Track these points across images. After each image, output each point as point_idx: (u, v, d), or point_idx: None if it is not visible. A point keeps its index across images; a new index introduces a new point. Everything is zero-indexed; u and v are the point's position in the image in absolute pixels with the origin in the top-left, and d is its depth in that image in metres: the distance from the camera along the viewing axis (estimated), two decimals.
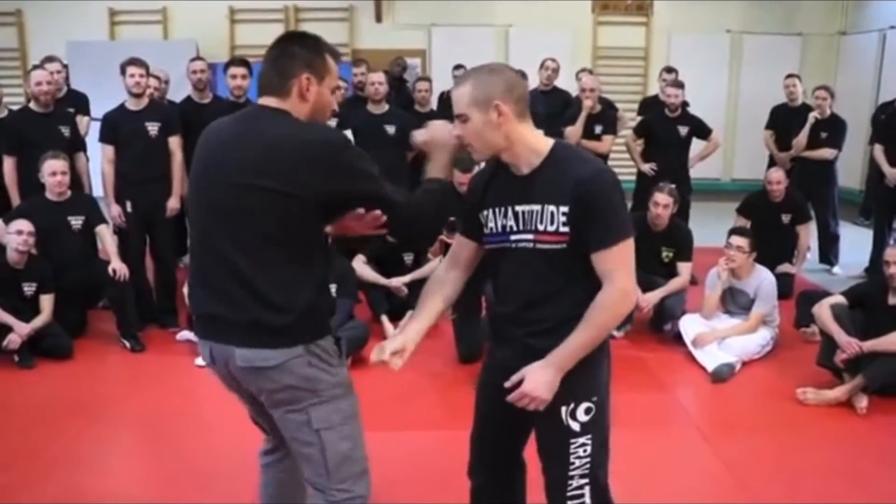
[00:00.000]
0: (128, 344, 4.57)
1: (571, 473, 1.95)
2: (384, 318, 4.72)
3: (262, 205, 1.82)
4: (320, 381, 1.93)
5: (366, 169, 1.91)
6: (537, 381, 1.86)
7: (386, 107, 5.65)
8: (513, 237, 1.92)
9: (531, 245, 1.89)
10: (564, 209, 1.83)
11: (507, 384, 1.90)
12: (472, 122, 1.87)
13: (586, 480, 1.95)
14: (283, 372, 1.88)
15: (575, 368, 1.87)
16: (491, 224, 1.97)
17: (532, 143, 1.91)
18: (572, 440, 1.93)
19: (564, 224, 1.83)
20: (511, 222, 1.92)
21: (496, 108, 1.84)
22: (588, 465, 1.95)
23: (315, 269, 1.94)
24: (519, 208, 1.90)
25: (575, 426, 1.92)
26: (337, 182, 1.85)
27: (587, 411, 1.93)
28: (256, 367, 1.88)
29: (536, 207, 1.87)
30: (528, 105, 1.92)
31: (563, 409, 1.92)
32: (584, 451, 1.94)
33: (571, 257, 1.86)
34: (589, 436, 1.94)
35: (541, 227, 1.87)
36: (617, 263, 1.84)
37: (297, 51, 1.92)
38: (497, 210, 1.95)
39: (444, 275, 2.15)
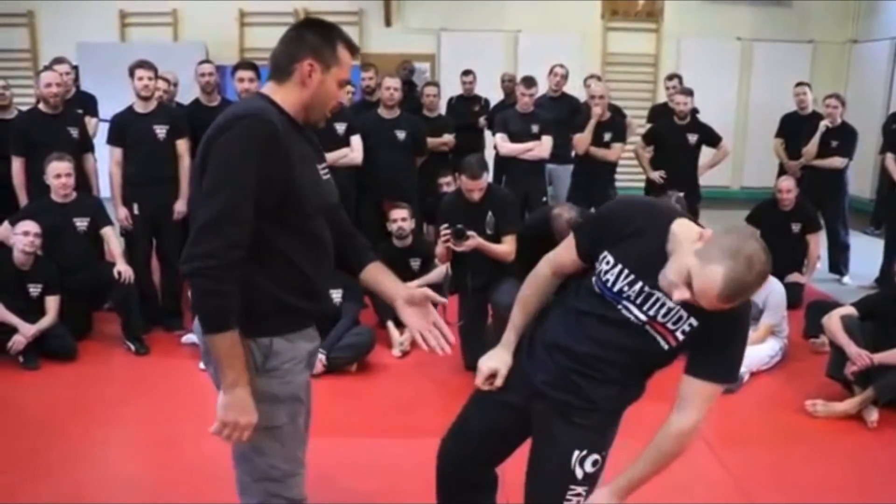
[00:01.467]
0: (132, 346, 4.56)
1: None
2: (390, 324, 4.70)
3: (196, 192, 1.78)
4: None
5: (233, 161, 1.70)
6: None
7: (397, 112, 5.64)
8: (623, 304, 1.80)
9: (640, 324, 1.79)
10: (693, 322, 1.74)
11: None
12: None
13: None
14: (204, 346, 1.83)
15: (605, 421, 1.90)
16: (609, 276, 1.80)
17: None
18: (572, 486, 1.92)
19: (684, 333, 1.76)
20: (632, 293, 1.78)
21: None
22: None
23: (267, 267, 1.79)
24: (647, 289, 1.76)
25: (579, 473, 1.91)
26: (208, 157, 1.73)
27: (594, 463, 1.93)
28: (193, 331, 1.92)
29: (670, 303, 1.73)
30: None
31: (576, 453, 1.90)
32: (579, 501, 1.93)
33: (663, 356, 1.82)
34: (587, 487, 1.93)
35: (661, 320, 1.77)
36: (702, 401, 1.79)
37: (308, 36, 1.85)
38: (624, 271, 1.78)
39: (545, 280, 2.01)
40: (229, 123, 1.72)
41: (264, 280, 1.80)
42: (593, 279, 1.85)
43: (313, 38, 1.85)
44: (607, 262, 1.80)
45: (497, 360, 2.04)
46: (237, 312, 1.71)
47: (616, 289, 1.79)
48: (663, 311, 1.75)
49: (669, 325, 1.75)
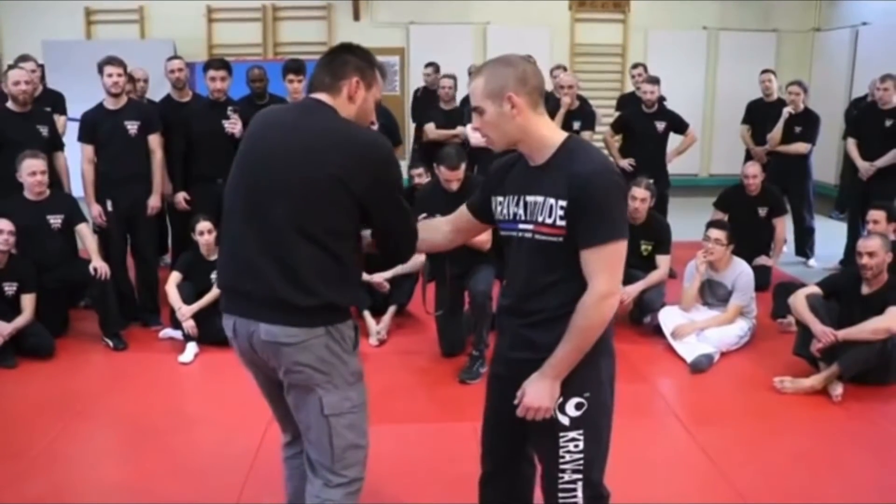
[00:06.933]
0: (110, 343, 4.56)
1: (563, 467, 1.97)
2: (366, 314, 4.73)
3: (323, 192, 1.91)
4: (335, 365, 1.99)
5: (400, 191, 2.06)
6: (536, 392, 1.90)
7: None
8: (520, 226, 1.96)
9: (531, 235, 1.93)
10: (562, 203, 1.84)
11: (515, 402, 1.94)
12: (487, 114, 1.91)
13: (579, 476, 1.97)
14: (302, 350, 1.95)
15: None
16: (504, 211, 2.01)
17: (545, 136, 1.93)
18: (562, 434, 1.94)
19: (561, 218, 1.85)
20: (520, 211, 1.95)
21: (509, 99, 1.87)
22: (581, 462, 1.96)
23: (347, 263, 1.99)
24: (527, 198, 1.93)
25: (564, 420, 1.94)
26: (378, 191, 1.97)
27: (578, 406, 1.93)
28: (279, 342, 1.95)
29: (540, 199, 1.89)
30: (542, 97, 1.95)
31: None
32: (576, 446, 1.95)
33: (567, 251, 1.87)
34: (580, 431, 1.95)
35: (540, 219, 1.89)
36: (598, 265, 1.85)
37: (350, 58, 2.06)
38: (511, 198, 1.99)
39: (438, 224, 2.35)
40: (385, 154, 2.02)
41: (358, 268, 2.09)
42: (501, 232, 2.06)
43: (356, 59, 2.05)
44: (499, 203, 2.03)
45: None
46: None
47: (510, 215, 1.99)
48: (540, 208, 1.90)
49: (548, 220, 1.88)
